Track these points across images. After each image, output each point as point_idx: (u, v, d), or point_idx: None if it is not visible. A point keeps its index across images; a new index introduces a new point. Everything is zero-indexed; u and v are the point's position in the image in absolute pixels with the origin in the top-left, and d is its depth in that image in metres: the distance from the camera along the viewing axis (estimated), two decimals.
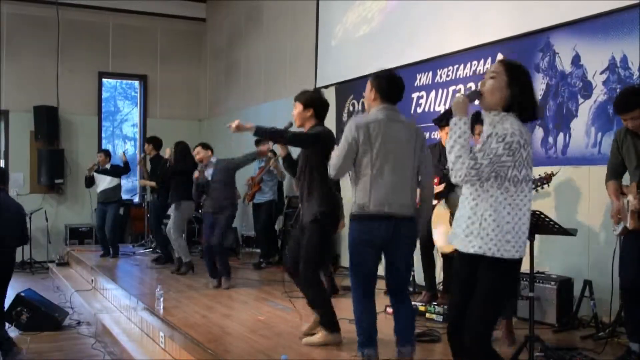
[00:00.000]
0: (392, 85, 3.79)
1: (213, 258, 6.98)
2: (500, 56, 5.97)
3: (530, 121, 2.89)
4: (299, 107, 4.57)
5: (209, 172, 7.20)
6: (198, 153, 7.28)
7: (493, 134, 2.71)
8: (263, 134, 4.46)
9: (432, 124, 5.94)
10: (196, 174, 7.27)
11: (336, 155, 3.75)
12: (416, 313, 4.13)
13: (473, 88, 6.33)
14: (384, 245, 3.70)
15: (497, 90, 2.77)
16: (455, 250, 2.98)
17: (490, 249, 2.73)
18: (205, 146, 7.35)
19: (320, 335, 4.42)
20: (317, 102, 4.59)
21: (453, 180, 2.77)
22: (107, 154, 9.73)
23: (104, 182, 9.57)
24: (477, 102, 2.89)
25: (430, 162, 3.87)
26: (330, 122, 8.19)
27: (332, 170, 3.80)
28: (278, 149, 4.82)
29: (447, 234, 4.44)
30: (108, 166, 9.61)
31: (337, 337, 4.41)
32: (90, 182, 9.75)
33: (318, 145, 4.38)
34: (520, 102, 2.77)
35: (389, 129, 3.68)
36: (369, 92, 3.83)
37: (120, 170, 9.70)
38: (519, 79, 2.79)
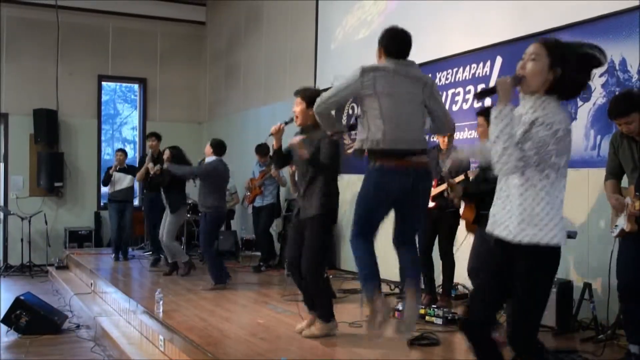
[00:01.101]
0: (395, 39, 3.90)
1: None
2: (499, 59, 5.98)
3: (572, 99, 2.82)
4: (302, 104, 4.63)
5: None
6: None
7: (538, 122, 2.60)
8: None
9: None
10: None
11: (334, 88, 3.91)
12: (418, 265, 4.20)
13: (472, 91, 6.34)
14: (399, 198, 3.79)
15: (539, 74, 2.66)
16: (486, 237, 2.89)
17: (544, 236, 2.63)
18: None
19: (319, 327, 4.59)
20: None
21: (497, 172, 2.69)
22: (125, 153, 9.74)
23: (124, 181, 9.49)
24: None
25: (442, 108, 4.00)
26: None
27: (320, 100, 3.93)
28: (272, 139, 4.79)
29: None
30: (125, 165, 9.61)
31: (333, 325, 4.64)
32: (108, 181, 9.71)
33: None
34: (563, 83, 2.66)
35: (395, 80, 3.80)
36: (376, 53, 3.95)
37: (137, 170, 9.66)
38: (563, 58, 2.66)
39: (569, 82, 2.66)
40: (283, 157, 4.81)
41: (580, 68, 2.67)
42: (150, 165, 7.95)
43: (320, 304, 4.63)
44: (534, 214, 2.65)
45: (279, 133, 4.72)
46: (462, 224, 5.15)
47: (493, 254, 2.85)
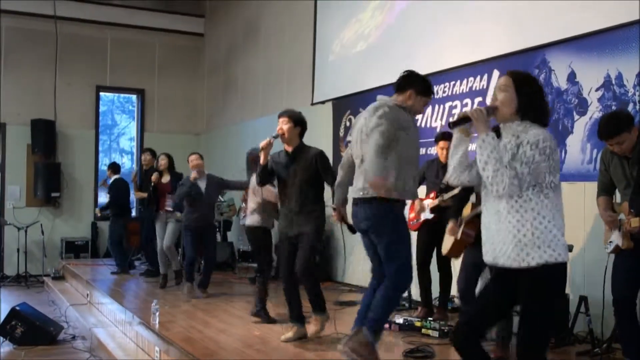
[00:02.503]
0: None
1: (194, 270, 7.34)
2: (496, 73, 6.02)
3: (544, 124, 2.93)
4: (290, 122, 4.85)
5: (202, 185, 7.24)
6: (193, 160, 7.26)
7: (524, 143, 2.77)
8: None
9: (433, 139, 5.98)
10: (194, 174, 7.16)
11: None
12: (391, 305, 4.05)
13: (469, 105, 6.37)
14: (363, 229, 3.99)
15: (509, 103, 2.87)
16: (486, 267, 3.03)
17: (552, 255, 2.75)
18: (201, 156, 7.42)
19: (317, 320, 4.83)
20: (304, 123, 4.95)
21: (494, 193, 2.80)
22: (113, 167, 9.59)
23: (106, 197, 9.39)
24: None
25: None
26: (327, 138, 8.25)
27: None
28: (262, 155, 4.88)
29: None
30: (112, 179, 9.43)
31: (328, 314, 4.90)
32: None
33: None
34: (531, 110, 2.86)
35: (359, 118, 4.02)
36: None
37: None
38: (525, 88, 2.88)
39: (534, 109, 2.87)
40: (268, 174, 4.95)
41: (538, 98, 2.90)
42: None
43: (315, 293, 4.82)
44: (550, 232, 2.76)
45: (268, 148, 4.81)
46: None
47: (497, 282, 2.96)
